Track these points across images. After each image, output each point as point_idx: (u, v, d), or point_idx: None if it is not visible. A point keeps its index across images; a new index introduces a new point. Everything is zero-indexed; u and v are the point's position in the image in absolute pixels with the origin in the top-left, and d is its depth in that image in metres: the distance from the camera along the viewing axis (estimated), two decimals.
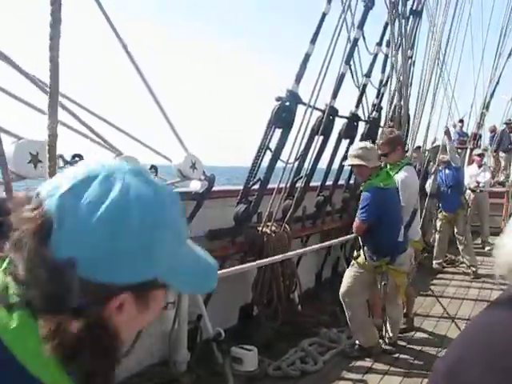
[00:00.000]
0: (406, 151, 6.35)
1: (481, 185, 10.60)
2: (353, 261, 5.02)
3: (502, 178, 14.76)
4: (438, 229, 9.12)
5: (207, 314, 4.63)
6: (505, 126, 15.51)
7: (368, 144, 5.05)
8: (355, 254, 5.05)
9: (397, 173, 5.18)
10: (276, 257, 4.71)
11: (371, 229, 4.73)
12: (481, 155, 11.31)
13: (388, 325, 5.18)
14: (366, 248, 4.89)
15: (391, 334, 5.17)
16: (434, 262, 8.95)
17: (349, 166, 5.31)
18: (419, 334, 5.66)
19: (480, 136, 15.23)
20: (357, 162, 4.71)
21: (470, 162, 11.94)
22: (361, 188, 4.94)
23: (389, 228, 4.73)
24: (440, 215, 9.10)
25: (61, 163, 3.44)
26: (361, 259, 4.91)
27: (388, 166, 5.20)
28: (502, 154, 15.55)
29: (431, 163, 9.27)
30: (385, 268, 4.80)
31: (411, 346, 5.30)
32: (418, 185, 5.29)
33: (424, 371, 4.56)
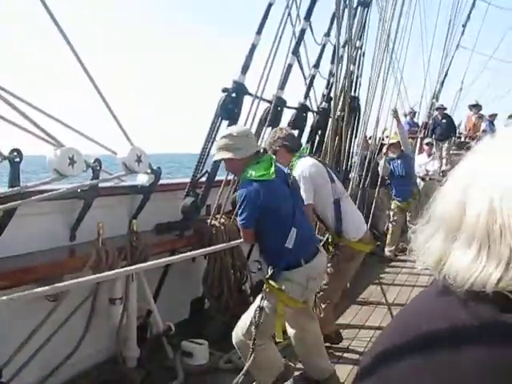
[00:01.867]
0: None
1: (430, 173, 10.81)
2: None
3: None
4: (390, 218, 9.29)
5: (157, 309, 4.59)
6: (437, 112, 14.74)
7: (235, 129, 3.78)
8: None
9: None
10: (222, 244, 4.67)
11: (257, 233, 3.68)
12: (429, 144, 11.52)
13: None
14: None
15: None
16: (386, 249, 9.11)
17: (215, 161, 4.90)
18: (370, 323, 5.72)
19: (430, 125, 15.47)
20: (221, 155, 3.70)
21: (421, 152, 12.17)
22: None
23: (272, 231, 3.56)
24: (392, 204, 9.25)
25: None
26: None
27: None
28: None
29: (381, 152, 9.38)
30: (265, 285, 3.64)
31: (362, 337, 5.34)
32: (325, 172, 4.59)
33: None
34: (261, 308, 3.56)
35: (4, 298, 2.32)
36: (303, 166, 4.48)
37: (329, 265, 4.43)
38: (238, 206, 3.56)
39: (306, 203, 4.22)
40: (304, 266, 3.57)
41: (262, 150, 3.76)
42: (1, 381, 3.13)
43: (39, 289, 2.68)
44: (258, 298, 3.66)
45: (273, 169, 3.52)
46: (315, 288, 4.04)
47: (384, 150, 9.18)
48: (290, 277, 3.57)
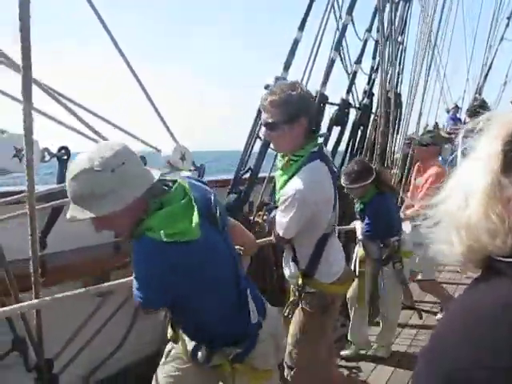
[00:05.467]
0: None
1: None
2: None
3: None
4: None
5: None
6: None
7: (93, 157, 1.95)
8: None
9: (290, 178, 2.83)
10: (265, 239, 4.55)
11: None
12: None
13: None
14: None
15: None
16: None
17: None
18: (412, 322, 5.65)
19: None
20: (80, 214, 1.99)
21: None
22: None
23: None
24: None
25: (46, 156, 3.42)
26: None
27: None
28: None
29: None
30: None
31: (404, 337, 5.31)
32: (333, 193, 2.98)
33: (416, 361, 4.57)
34: None
35: (59, 295, 2.38)
36: (306, 182, 2.74)
37: (293, 321, 3.17)
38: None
39: (281, 235, 2.91)
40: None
41: (166, 178, 2.16)
42: (52, 372, 3.21)
43: (90, 287, 2.74)
44: None
45: (195, 216, 1.99)
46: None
47: None
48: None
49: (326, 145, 6.62)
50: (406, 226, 5.22)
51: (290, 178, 2.81)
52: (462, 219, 0.86)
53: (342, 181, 4.39)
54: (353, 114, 7.08)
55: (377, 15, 6.75)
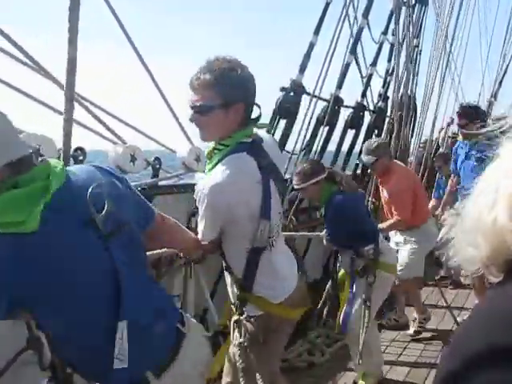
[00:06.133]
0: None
1: None
2: None
3: None
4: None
5: (213, 307, 4.62)
6: None
7: None
8: None
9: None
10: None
11: None
12: None
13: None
14: None
15: None
16: None
17: None
18: (427, 325, 5.60)
19: (488, 125, 15.06)
20: None
21: None
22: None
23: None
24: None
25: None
26: None
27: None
28: None
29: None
30: None
31: (419, 337, 5.28)
32: (259, 198, 2.34)
33: (432, 362, 4.54)
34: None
35: None
36: (219, 179, 2.23)
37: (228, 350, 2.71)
38: None
39: (200, 237, 2.45)
40: None
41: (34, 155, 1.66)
42: (67, 371, 3.21)
43: None
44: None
45: (39, 206, 1.57)
46: None
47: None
48: None
49: (340, 148, 6.61)
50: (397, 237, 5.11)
51: (210, 170, 2.37)
52: (489, 220, 0.85)
53: (294, 183, 4.11)
54: (367, 118, 7.07)
55: (393, 18, 6.74)
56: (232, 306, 2.60)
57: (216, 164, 2.32)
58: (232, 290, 2.59)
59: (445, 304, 5.95)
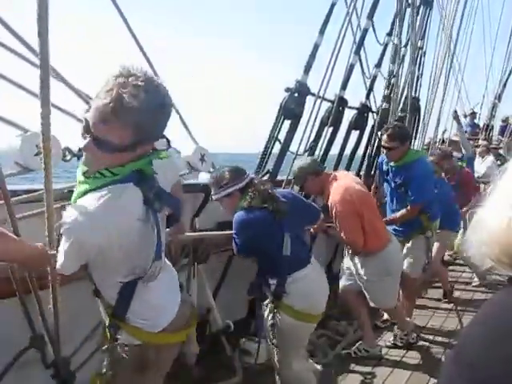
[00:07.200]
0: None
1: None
2: None
3: None
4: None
5: (216, 307, 4.62)
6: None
7: None
8: None
9: None
10: None
11: None
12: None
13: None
14: None
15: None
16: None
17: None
18: (428, 329, 5.61)
19: (492, 127, 15.07)
20: None
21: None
22: None
23: None
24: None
25: (68, 156, 3.43)
26: None
27: None
28: None
29: None
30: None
31: (421, 341, 5.27)
32: (141, 221, 2.08)
33: (433, 366, 4.54)
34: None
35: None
36: (91, 216, 1.92)
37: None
38: None
39: (59, 269, 2.11)
40: None
41: None
42: (69, 369, 3.22)
43: None
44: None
45: None
46: None
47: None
48: None
49: (344, 149, 6.60)
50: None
51: (85, 193, 2.03)
52: (504, 222, 0.87)
53: (212, 194, 3.60)
54: (372, 119, 7.06)
55: (397, 19, 6.73)
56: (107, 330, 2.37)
57: (92, 189, 2.01)
58: (104, 315, 2.39)
59: (448, 305, 5.97)
